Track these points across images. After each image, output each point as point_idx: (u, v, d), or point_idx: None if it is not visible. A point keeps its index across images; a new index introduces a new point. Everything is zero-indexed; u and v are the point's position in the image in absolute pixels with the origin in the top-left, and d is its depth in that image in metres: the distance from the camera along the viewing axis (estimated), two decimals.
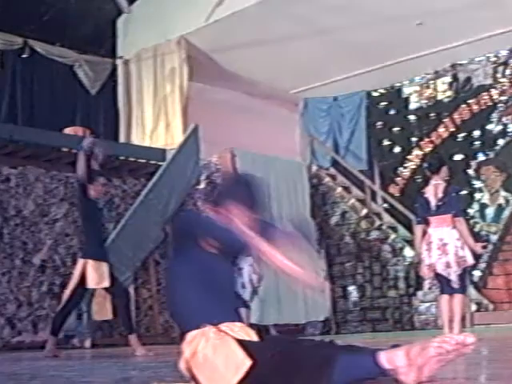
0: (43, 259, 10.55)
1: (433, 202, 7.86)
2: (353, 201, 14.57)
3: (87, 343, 10.35)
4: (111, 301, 7.96)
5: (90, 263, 7.67)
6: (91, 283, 7.71)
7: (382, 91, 16.08)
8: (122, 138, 14.79)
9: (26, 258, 10.40)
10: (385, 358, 2.82)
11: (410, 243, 12.88)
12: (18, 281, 10.25)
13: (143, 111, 14.84)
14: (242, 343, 2.92)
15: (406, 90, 15.89)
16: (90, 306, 8.64)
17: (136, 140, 14.59)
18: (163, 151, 12.55)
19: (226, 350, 2.91)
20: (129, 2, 15.06)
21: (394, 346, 2.91)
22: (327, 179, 14.97)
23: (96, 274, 7.65)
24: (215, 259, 3.16)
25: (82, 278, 7.68)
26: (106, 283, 7.70)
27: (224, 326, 3.02)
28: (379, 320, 13.54)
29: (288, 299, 12.57)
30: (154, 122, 14.56)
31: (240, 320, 3.16)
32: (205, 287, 3.11)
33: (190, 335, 3.05)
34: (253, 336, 3.05)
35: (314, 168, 15.13)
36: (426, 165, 8.46)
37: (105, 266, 7.70)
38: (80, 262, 7.75)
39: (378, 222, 14.07)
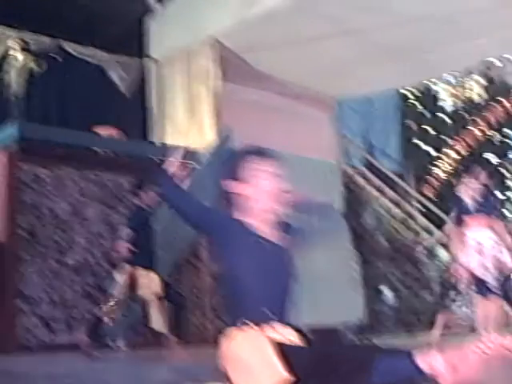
0: (76, 259, 10.58)
1: (469, 203, 7.77)
2: (386, 202, 14.48)
3: (121, 344, 10.36)
4: (164, 309, 7.94)
5: (139, 272, 7.67)
6: (142, 291, 7.72)
7: (415, 91, 15.99)
8: (153, 138, 14.82)
9: (60, 258, 10.42)
10: (423, 361, 2.77)
11: (444, 245, 12.78)
12: (52, 281, 10.28)
13: (174, 111, 14.85)
14: (280, 347, 2.89)
15: (438, 89, 15.79)
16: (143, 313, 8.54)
17: (167, 140, 14.61)
18: (195, 152, 12.54)
19: (263, 354, 2.88)
20: (159, 2, 15.09)
21: (433, 349, 2.87)
22: (360, 180, 14.91)
23: (146, 282, 7.66)
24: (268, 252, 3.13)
25: (130, 285, 7.71)
26: (156, 290, 7.70)
27: (267, 327, 2.98)
28: (413, 322, 13.45)
29: (322, 300, 12.51)
30: (186, 123, 14.56)
31: (285, 321, 3.11)
32: (255, 283, 3.07)
33: (230, 330, 3.02)
34: (295, 338, 3.01)
35: (347, 168, 15.07)
36: (460, 165, 8.39)
37: (154, 274, 7.71)
38: (127, 268, 7.74)
39: (411, 224, 13.98)
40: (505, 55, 14.46)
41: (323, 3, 12.57)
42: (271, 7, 12.91)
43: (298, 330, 3.08)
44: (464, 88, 15.37)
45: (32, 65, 11.92)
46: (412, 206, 14.76)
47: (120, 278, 7.85)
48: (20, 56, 11.98)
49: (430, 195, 15.08)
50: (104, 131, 12.37)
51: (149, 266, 7.80)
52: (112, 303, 7.86)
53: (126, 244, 7.71)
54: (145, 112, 15.17)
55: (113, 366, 7.43)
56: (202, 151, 12.50)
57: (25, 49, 12.22)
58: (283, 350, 2.87)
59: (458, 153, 14.85)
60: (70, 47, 14.22)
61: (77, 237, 10.65)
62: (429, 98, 15.79)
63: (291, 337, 3.01)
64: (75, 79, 14.20)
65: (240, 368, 2.92)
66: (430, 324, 13.15)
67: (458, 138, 15.09)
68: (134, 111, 15.16)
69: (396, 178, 14.81)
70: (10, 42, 12.32)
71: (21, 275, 9.98)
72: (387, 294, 13.87)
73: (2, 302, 9.75)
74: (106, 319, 8.01)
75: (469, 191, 7.81)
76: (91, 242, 10.77)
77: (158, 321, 7.89)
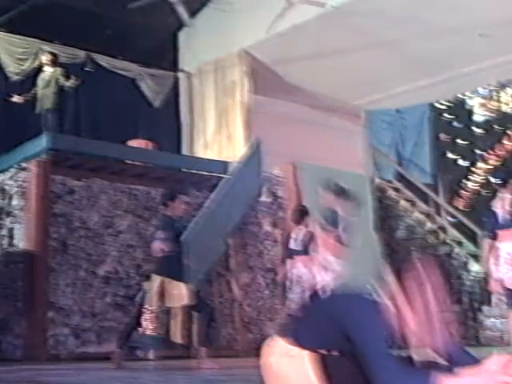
0: (107, 270, 10.61)
1: (501, 216, 7.68)
2: (417, 214, 14.36)
3: (151, 355, 10.35)
4: (191, 321, 7.92)
5: (167, 282, 7.68)
6: (170, 302, 7.72)
7: (446, 103, 15.89)
8: (184, 151, 14.88)
9: (91, 269, 10.45)
10: None
11: (475, 257, 12.66)
12: (83, 292, 10.30)
13: (205, 124, 14.92)
14: (319, 357, 2.86)
15: (470, 102, 15.68)
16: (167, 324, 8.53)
17: (198, 152, 14.66)
18: (225, 163, 12.55)
19: (300, 367, 2.86)
20: (190, 16, 15.17)
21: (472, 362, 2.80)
22: (390, 192, 14.82)
23: (175, 293, 7.66)
24: None
25: (160, 296, 7.71)
26: (186, 301, 7.69)
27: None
28: None
29: None
30: (216, 135, 14.62)
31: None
32: None
33: (273, 339, 3.03)
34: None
35: (377, 181, 14.99)
36: (492, 178, 8.30)
37: (182, 284, 7.71)
38: (157, 279, 7.75)
39: (442, 236, 13.86)
40: None
41: (353, 16, 12.57)
42: (302, 20, 12.93)
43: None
44: (496, 101, 15.25)
45: (64, 78, 11.97)
46: (443, 218, 14.64)
47: (151, 288, 7.84)
48: (53, 69, 12.05)
49: (462, 207, 14.96)
50: (136, 143, 12.43)
51: (179, 277, 7.79)
52: (149, 314, 7.84)
53: (161, 244, 7.72)
54: (177, 124, 15.23)
55: (142, 377, 7.42)
56: (233, 162, 12.52)
57: (57, 62, 12.29)
58: (323, 361, 2.85)
59: (490, 165, 14.74)
60: (103, 60, 14.34)
61: (107, 247, 10.68)
62: (461, 110, 15.68)
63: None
64: (107, 91, 14.28)
65: (275, 377, 2.92)
66: (460, 337, 13.02)
67: (490, 150, 14.96)
68: (167, 123, 15.22)
69: (427, 190, 14.68)
70: (43, 55, 12.41)
71: (52, 286, 10.03)
72: None
73: (32, 311, 9.80)
74: (143, 330, 7.98)
75: (501, 204, 7.72)
76: (121, 252, 10.79)
77: (176, 333, 7.87)
